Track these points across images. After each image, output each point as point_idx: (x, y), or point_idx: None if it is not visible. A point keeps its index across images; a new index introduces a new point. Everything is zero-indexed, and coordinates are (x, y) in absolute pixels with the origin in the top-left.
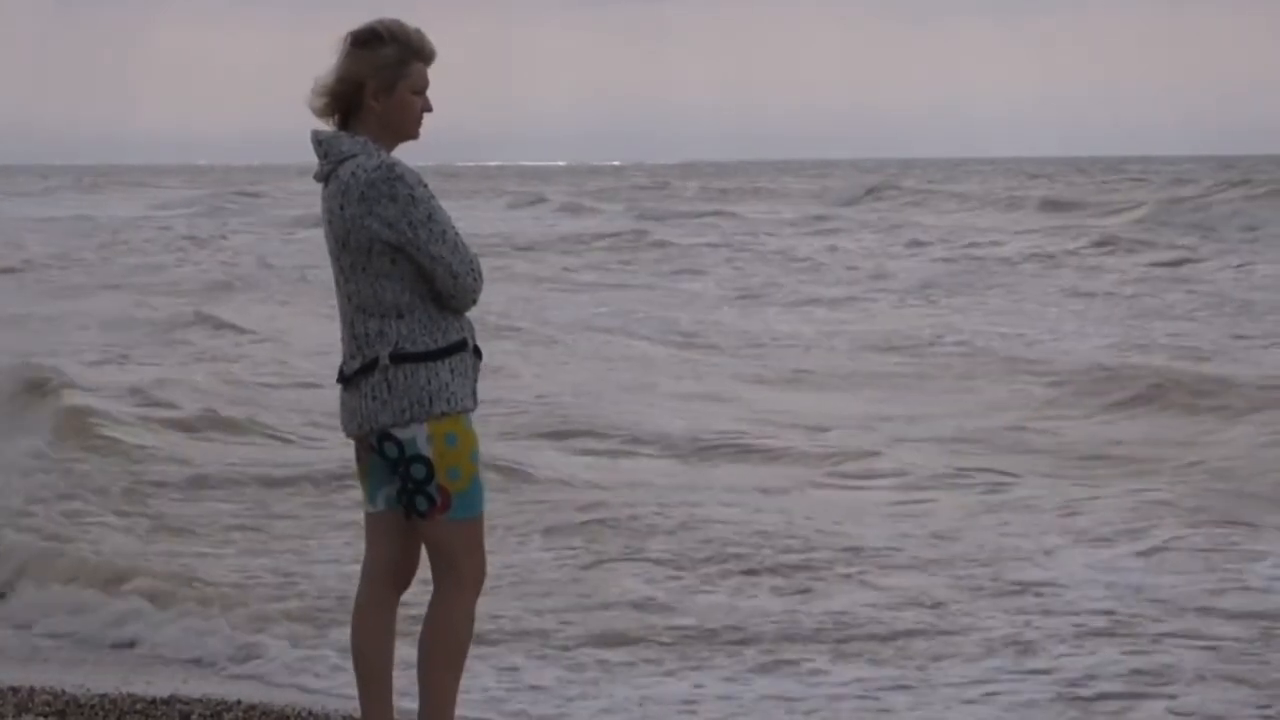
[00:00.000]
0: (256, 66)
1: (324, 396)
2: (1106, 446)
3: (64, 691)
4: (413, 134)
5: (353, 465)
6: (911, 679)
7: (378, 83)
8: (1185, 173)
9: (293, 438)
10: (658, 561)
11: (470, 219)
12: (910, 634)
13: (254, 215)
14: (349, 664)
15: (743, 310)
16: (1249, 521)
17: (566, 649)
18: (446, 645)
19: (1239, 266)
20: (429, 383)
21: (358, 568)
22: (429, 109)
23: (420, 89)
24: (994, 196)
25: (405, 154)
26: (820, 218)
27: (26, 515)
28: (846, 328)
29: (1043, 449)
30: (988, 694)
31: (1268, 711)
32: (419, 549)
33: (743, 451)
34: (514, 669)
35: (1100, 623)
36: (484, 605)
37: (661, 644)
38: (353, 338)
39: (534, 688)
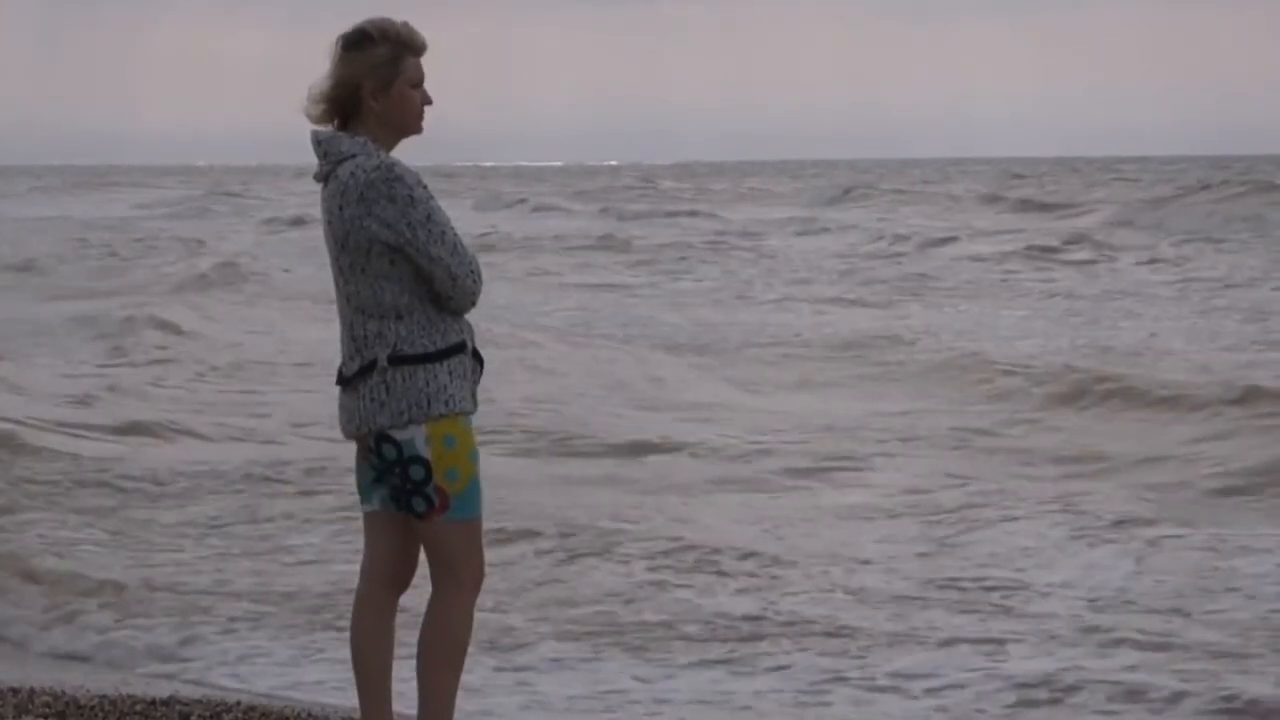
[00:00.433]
0: (256, 66)
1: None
2: (1059, 446)
3: (64, 692)
4: (415, 128)
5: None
6: (852, 673)
7: (374, 82)
8: (1179, 173)
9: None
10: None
11: None
12: (869, 632)
13: (225, 217)
14: (349, 664)
15: (674, 307)
16: (1220, 522)
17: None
18: (445, 645)
19: (1152, 262)
20: (427, 384)
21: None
22: (428, 101)
23: (417, 82)
24: (970, 196)
25: (401, 153)
26: (791, 219)
27: None
28: (782, 327)
29: (993, 448)
30: (930, 689)
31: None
32: (418, 549)
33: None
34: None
35: (1064, 626)
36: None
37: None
38: (351, 339)
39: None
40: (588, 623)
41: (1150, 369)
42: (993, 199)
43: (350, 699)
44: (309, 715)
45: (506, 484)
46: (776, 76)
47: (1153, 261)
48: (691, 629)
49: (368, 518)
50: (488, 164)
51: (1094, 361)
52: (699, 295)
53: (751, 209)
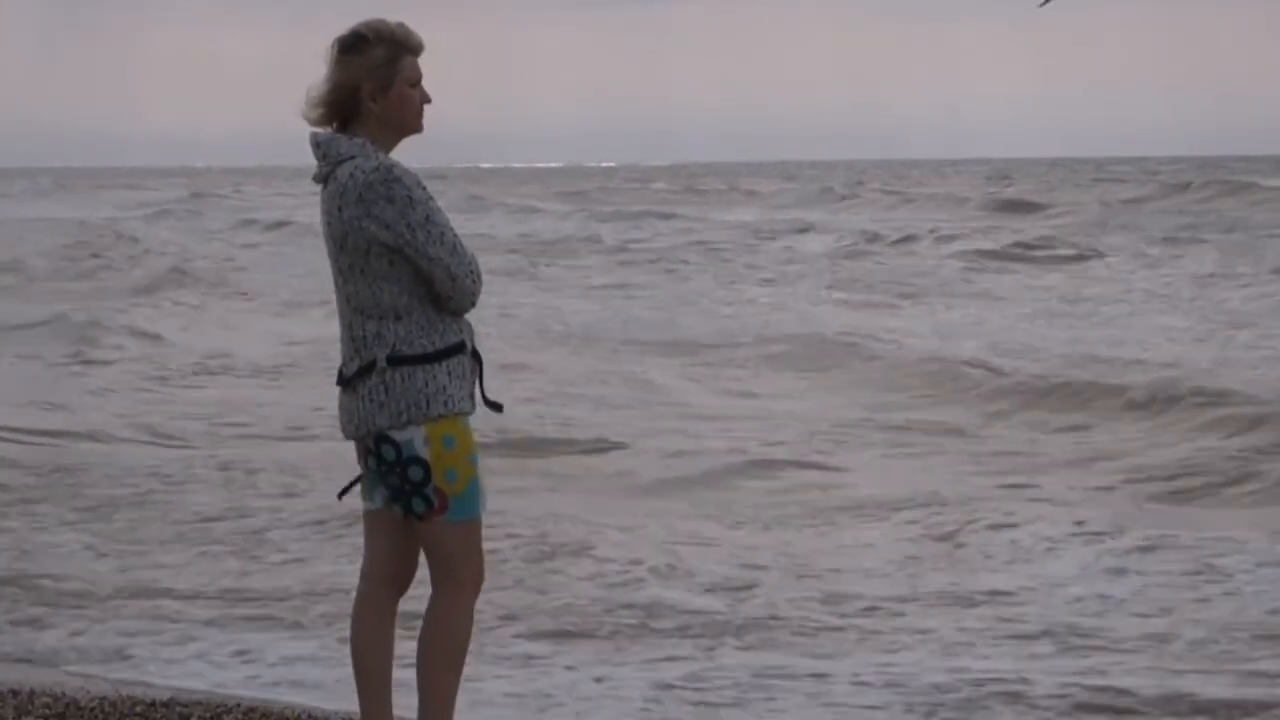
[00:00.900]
0: (257, 67)
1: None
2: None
3: (64, 694)
4: (416, 127)
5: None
6: (804, 670)
7: (373, 84)
8: (1175, 173)
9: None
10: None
11: None
12: (831, 630)
13: (202, 219)
14: (349, 664)
15: (606, 306)
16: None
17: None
18: (445, 646)
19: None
20: (426, 385)
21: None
22: (428, 100)
23: (415, 81)
24: (951, 198)
25: (399, 154)
26: (768, 221)
27: None
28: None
29: (939, 449)
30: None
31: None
32: (417, 550)
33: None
34: None
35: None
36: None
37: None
38: (351, 339)
39: None
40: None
41: (1078, 369)
42: (968, 200)
43: (350, 700)
44: (309, 716)
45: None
46: (776, 77)
47: (1103, 256)
48: (648, 626)
49: (367, 517)
50: (485, 165)
51: (1024, 362)
52: (649, 295)
53: (731, 211)
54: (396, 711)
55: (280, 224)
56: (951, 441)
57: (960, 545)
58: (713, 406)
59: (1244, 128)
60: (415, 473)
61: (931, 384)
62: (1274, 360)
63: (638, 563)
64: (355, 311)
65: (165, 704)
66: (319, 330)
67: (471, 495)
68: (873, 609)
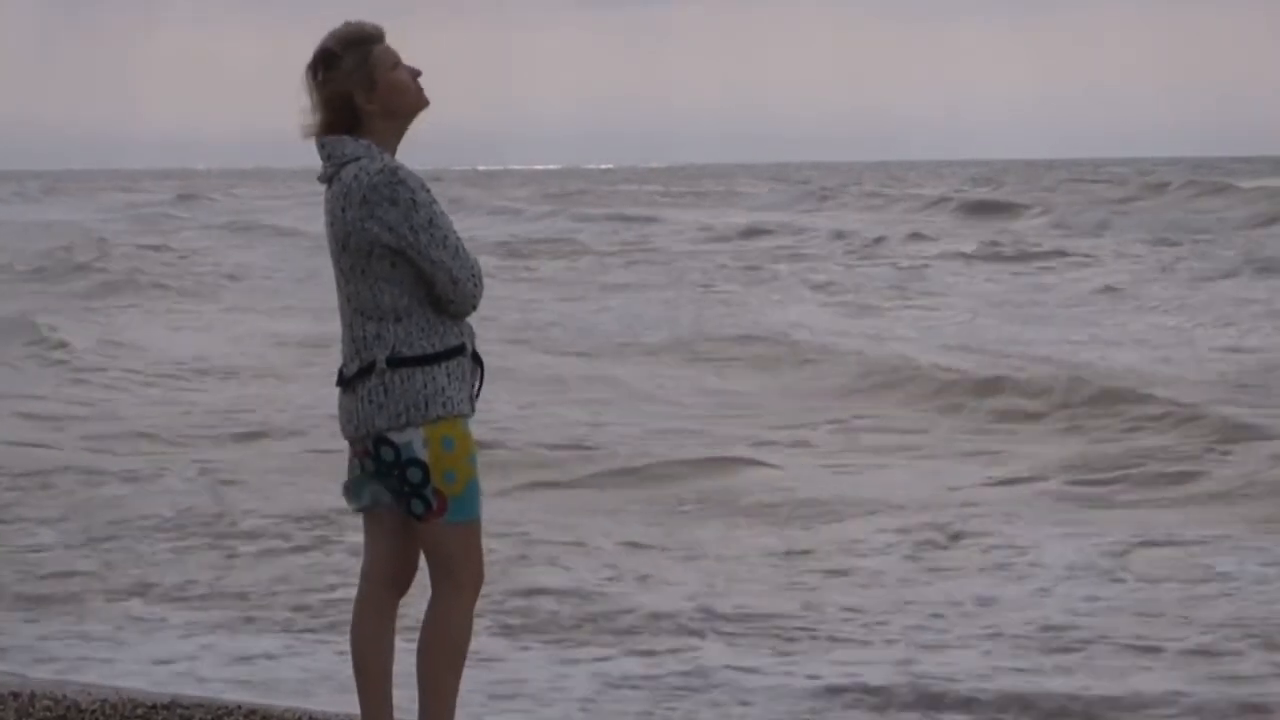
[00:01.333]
0: (257, 68)
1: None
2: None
3: (64, 696)
4: (419, 102)
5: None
6: (766, 666)
7: (360, 86)
8: (1170, 174)
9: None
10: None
11: None
12: (791, 625)
13: (177, 221)
14: (349, 666)
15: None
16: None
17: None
18: (445, 647)
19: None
20: (425, 386)
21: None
22: (418, 73)
23: (395, 63)
24: (927, 199)
25: (403, 155)
26: (741, 223)
27: None
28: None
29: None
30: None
31: None
32: (418, 550)
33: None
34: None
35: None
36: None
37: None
38: (351, 340)
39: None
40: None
41: (1009, 369)
42: (948, 201)
43: (351, 701)
44: (309, 718)
45: None
46: (776, 78)
47: (1061, 256)
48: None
49: (367, 517)
50: (482, 168)
51: (955, 359)
52: (598, 294)
53: (706, 212)
54: (397, 713)
55: (248, 227)
56: (887, 439)
57: (916, 546)
58: (646, 404)
59: (1245, 128)
60: (414, 474)
61: (851, 381)
62: (1205, 360)
63: (587, 560)
64: (356, 312)
65: (166, 706)
66: (281, 327)
67: (471, 497)
68: (819, 608)
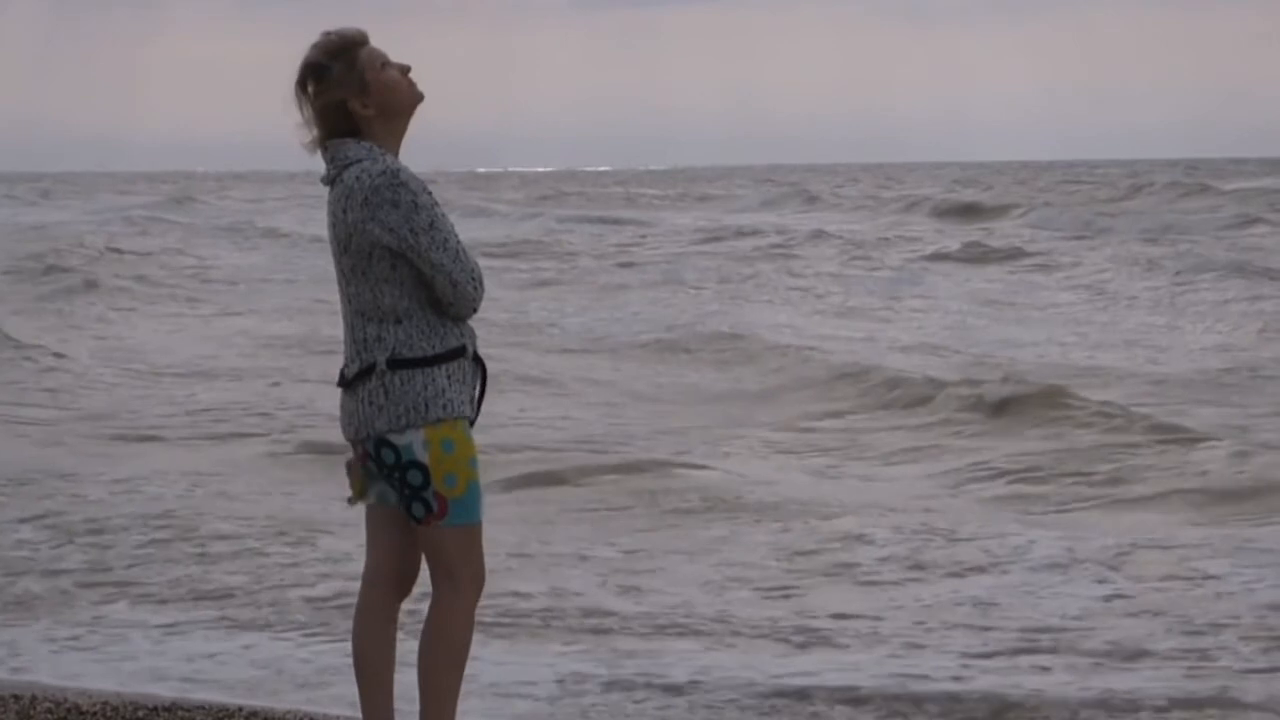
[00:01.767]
0: (258, 69)
1: None
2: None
3: (65, 699)
4: (414, 96)
5: None
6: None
7: (354, 91)
8: (1151, 176)
9: None
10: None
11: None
12: (736, 618)
13: (156, 223)
14: (350, 667)
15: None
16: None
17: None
18: (446, 649)
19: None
20: (426, 388)
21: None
22: (408, 69)
23: (383, 63)
24: (902, 202)
25: (401, 157)
26: (706, 224)
27: None
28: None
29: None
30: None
31: None
32: (420, 551)
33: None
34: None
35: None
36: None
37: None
38: (353, 341)
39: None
40: None
41: (957, 370)
42: (926, 201)
43: (351, 702)
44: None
45: None
46: (776, 80)
47: (1015, 257)
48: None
49: (369, 518)
50: (481, 170)
51: (909, 360)
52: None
53: (693, 210)
54: (398, 715)
55: (239, 229)
56: (830, 439)
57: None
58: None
59: (1246, 129)
60: (414, 477)
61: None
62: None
63: (519, 558)
64: (357, 314)
65: (168, 709)
66: (250, 325)
67: (471, 499)
68: (746, 610)
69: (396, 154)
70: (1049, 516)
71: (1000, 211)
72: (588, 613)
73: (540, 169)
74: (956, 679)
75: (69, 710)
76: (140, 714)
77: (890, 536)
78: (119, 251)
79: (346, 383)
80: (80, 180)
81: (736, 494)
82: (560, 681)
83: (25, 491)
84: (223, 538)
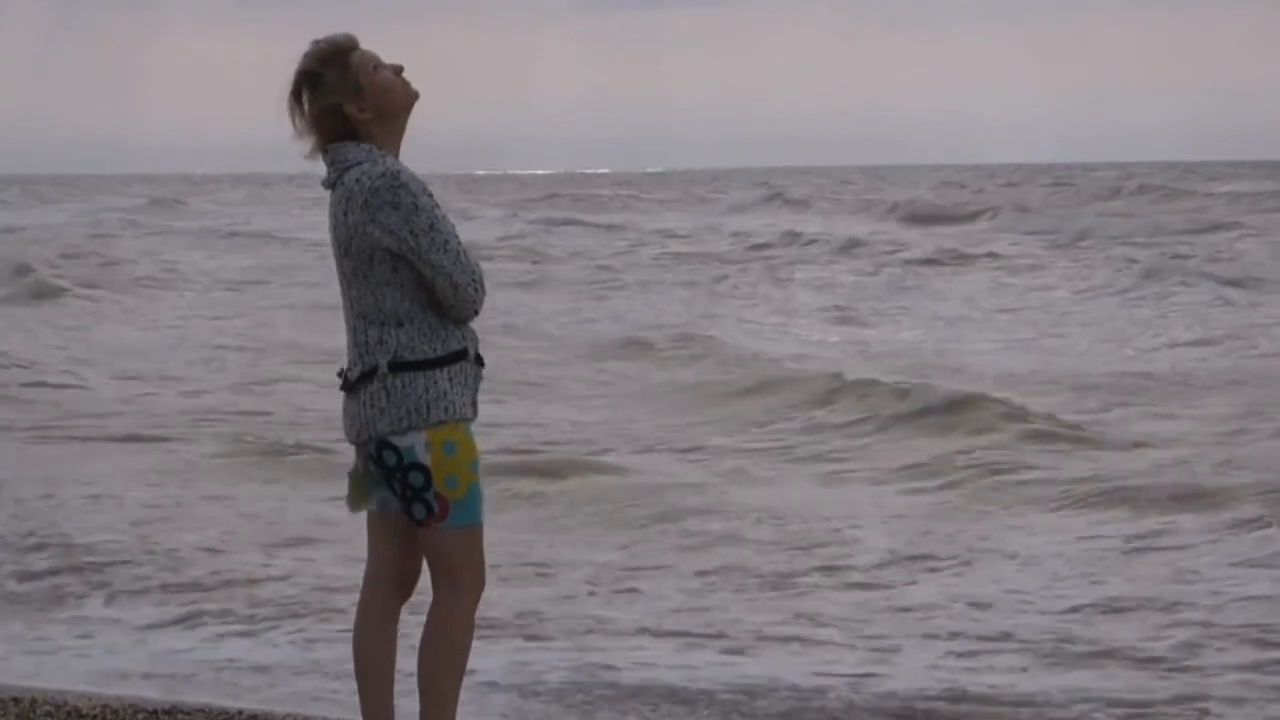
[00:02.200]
0: (257, 70)
1: None
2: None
3: (65, 702)
4: (409, 94)
5: None
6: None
7: (349, 95)
8: (1142, 178)
9: None
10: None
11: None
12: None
13: (140, 225)
14: (350, 668)
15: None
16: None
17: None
18: (445, 651)
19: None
20: (427, 391)
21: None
22: (400, 68)
23: (376, 64)
24: (879, 205)
25: (406, 159)
26: (682, 225)
27: None
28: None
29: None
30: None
31: None
32: (421, 554)
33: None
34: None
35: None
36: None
37: None
38: (354, 344)
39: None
40: None
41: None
42: (897, 205)
43: (351, 703)
44: None
45: None
46: (776, 82)
47: (961, 260)
48: None
49: (370, 521)
50: (480, 172)
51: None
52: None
53: (681, 212)
54: (398, 716)
55: (207, 232)
56: (755, 442)
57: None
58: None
59: (1247, 130)
60: (416, 479)
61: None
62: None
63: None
64: (358, 317)
65: (168, 712)
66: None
67: (473, 501)
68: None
69: (397, 155)
70: (1005, 517)
71: (971, 216)
72: (573, 616)
73: (540, 171)
74: (925, 679)
75: (69, 713)
76: (140, 717)
77: (881, 541)
78: (84, 255)
79: (349, 386)
80: (80, 183)
81: (686, 497)
82: (555, 682)
83: None
84: (202, 547)
